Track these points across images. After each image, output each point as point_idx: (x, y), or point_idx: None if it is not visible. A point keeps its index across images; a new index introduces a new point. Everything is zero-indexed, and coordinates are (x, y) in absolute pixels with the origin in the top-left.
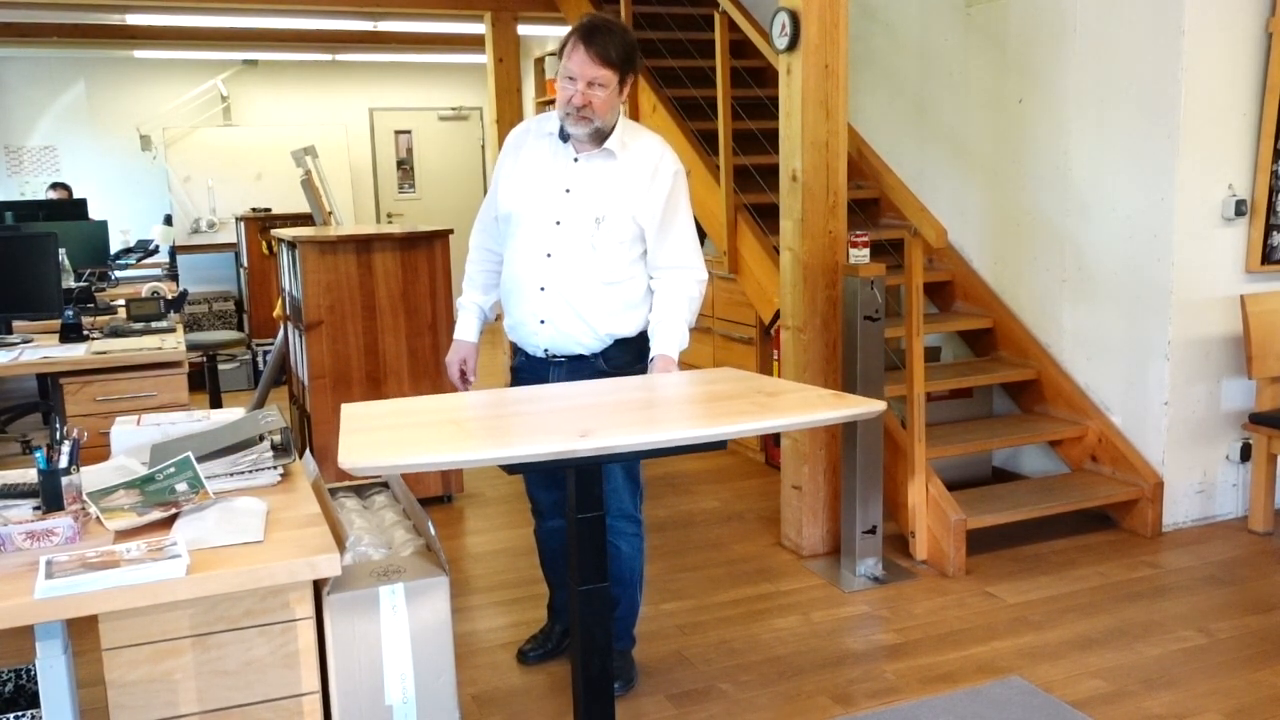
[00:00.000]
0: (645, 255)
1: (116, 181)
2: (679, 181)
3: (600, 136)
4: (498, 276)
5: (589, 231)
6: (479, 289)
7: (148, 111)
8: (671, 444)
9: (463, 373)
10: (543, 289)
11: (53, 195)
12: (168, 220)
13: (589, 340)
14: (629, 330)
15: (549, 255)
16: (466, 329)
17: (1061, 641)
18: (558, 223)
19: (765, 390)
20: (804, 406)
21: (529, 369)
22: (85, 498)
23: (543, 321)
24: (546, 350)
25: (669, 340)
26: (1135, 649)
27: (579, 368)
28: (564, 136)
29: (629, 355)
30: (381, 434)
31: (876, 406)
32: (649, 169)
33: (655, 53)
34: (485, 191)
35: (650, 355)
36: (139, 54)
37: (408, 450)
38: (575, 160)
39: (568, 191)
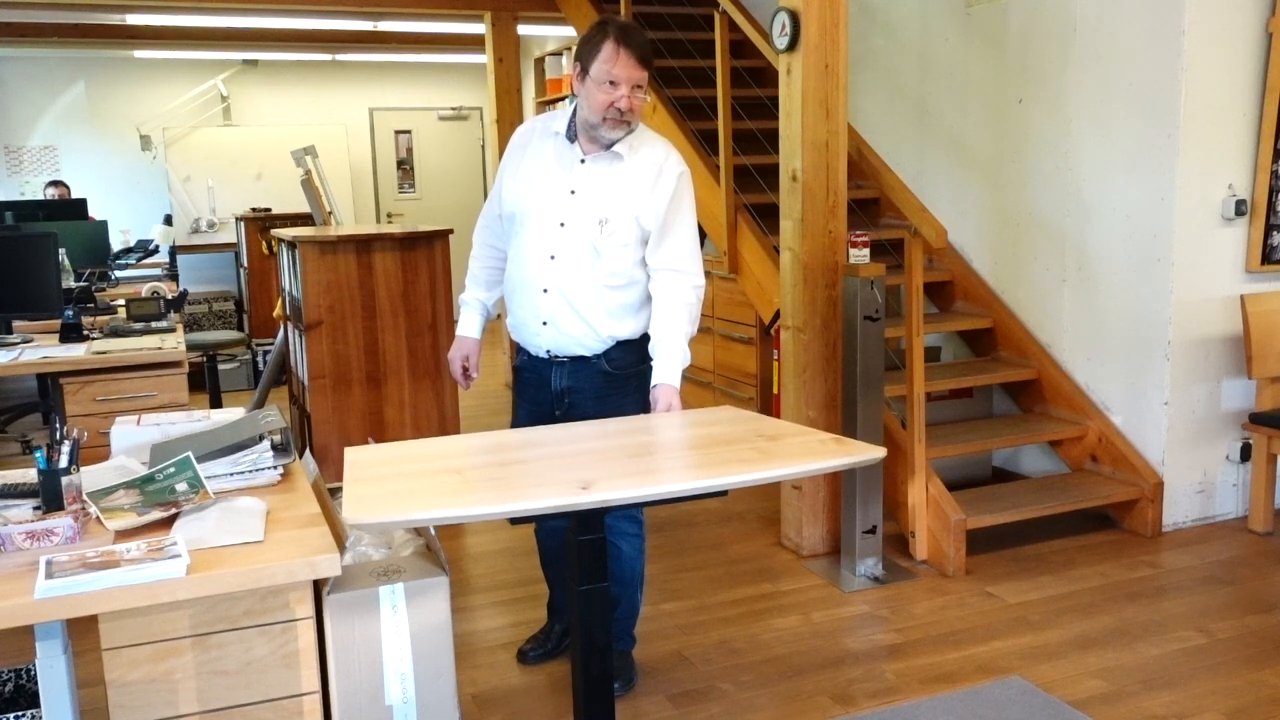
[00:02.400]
0: None
1: (116, 181)
2: (683, 184)
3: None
4: (501, 273)
5: (593, 234)
6: (482, 285)
7: (148, 111)
8: (671, 495)
9: (465, 369)
10: (545, 291)
11: (52, 192)
12: (168, 220)
13: (591, 342)
14: (631, 333)
15: (552, 257)
16: (469, 325)
17: (1061, 641)
18: (562, 224)
19: (766, 434)
20: (804, 453)
21: (531, 368)
22: (85, 498)
23: (545, 323)
24: (549, 351)
25: (670, 366)
26: (1135, 649)
27: (581, 368)
28: (571, 137)
29: (631, 356)
30: (386, 484)
31: (877, 453)
32: (653, 170)
33: (655, 53)
34: (485, 191)
35: (653, 383)
36: (139, 54)
37: (412, 504)
38: (582, 161)
39: (573, 193)
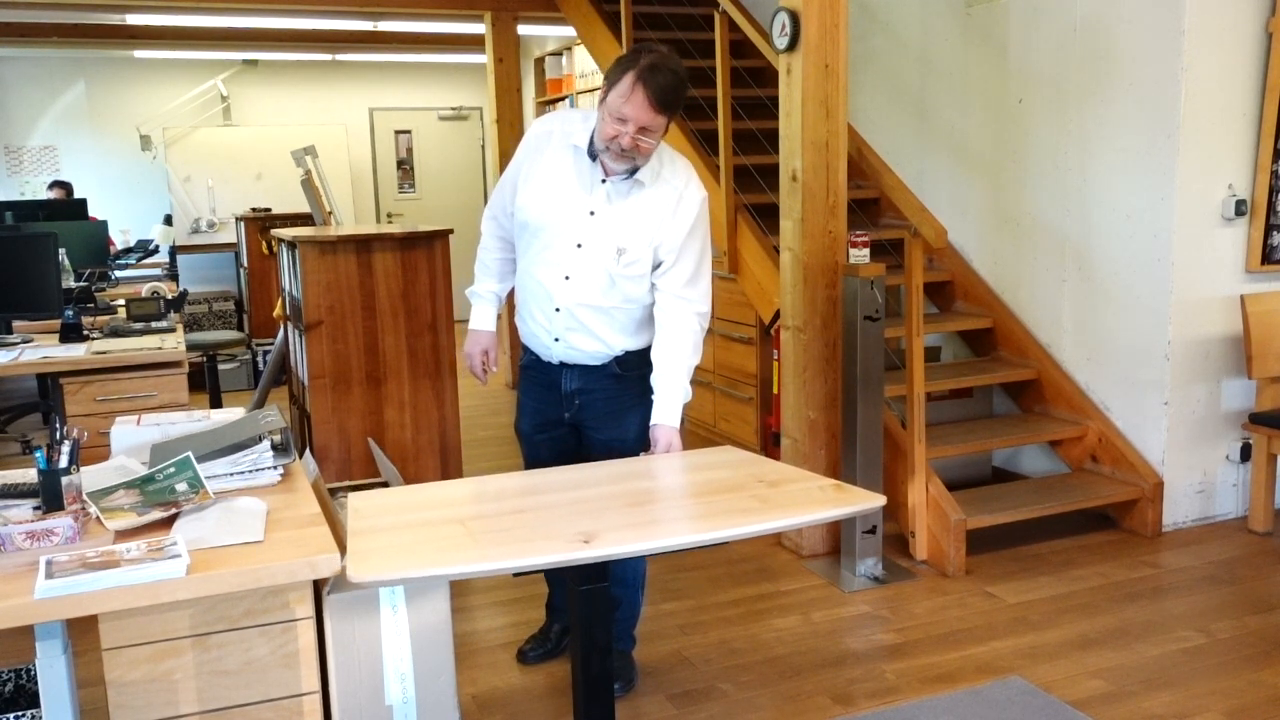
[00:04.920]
0: None
1: (116, 181)
2: (702, 211)
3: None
4: (512, 264)
5: (610, 260)
6: (494, 277)
7: (148, 111)
8: (672, 548)
9: (484, 363)
10: (558, 310)
11: (52, 195)
12: (168, 220)
13: (602, 353)
14: (642, 344)
15: (567, 277)
16: (484, 318)
17: (1061, 641)
18: (579, 245)
19: (766, 479)
20: (805, 502)
21: (539, 368)
22: (85, 498)
23: (557, 339)
24: (560, 361)
25: (670, 406)
26: (1135, 649)
27: (591, 371)
28: (592, 154)
29: (640, 358)
30: (389, 536)
31: (876, 501)
32: (674, 198)
33: None
34: (485, 191)
35: (652, 422)
36: (139, 54)
37: (417, 560)
38: (603, 181)
39: (592, 214)
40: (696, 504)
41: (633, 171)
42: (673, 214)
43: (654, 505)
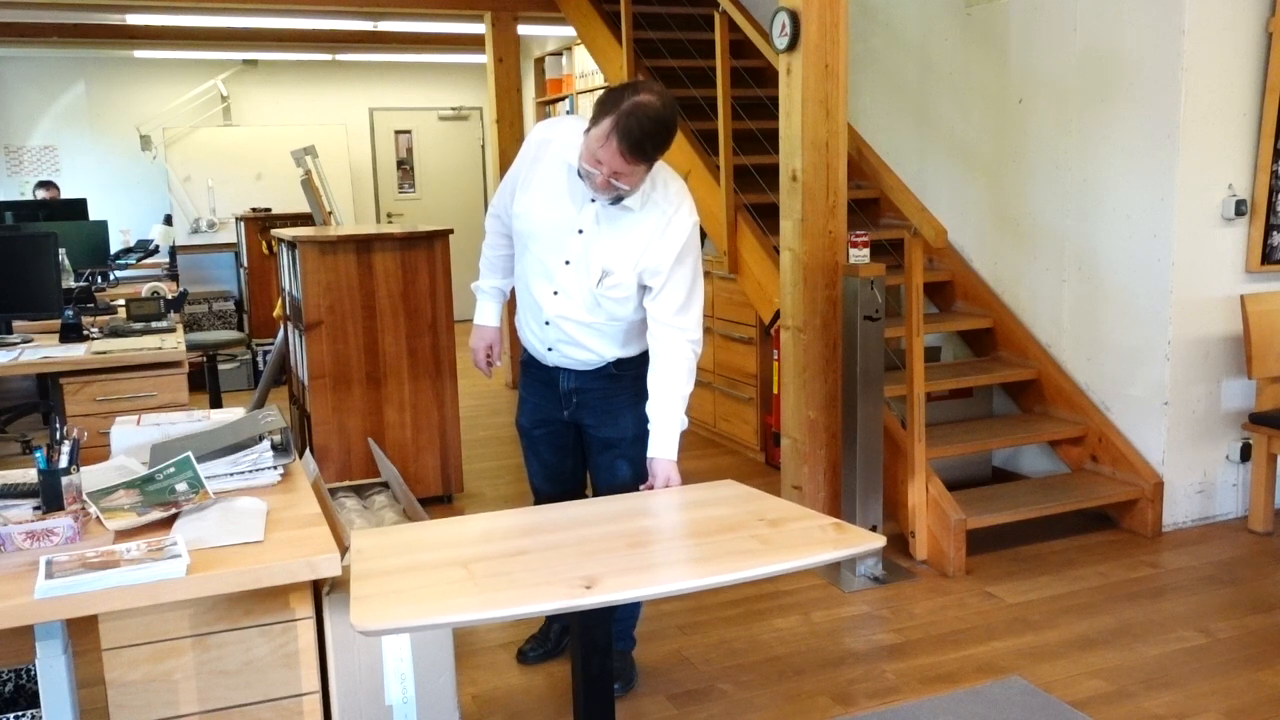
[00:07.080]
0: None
1: (116, 181)
2: (692, 236)
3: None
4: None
5: (595, 280)
6: (499, 273)
7: (148, 111)
8: (672, 593)
9: (488, 358)
10: (547, 322)
11: (42, 194)
12: (168, 220)
13: (595, 362)
14: (634, 352)
15: (555, 293)
16: (488, 314)
17: (1061, 641)
18: (567, 262)
19: (767, 518)
20: (805, 542)
21: (537, 366)
22: (85, 498)
23: (550, 349)
24: (556, 365)
25: (667, 439)
26: (1135, 649)
27: (587, 371)
28: (581, 173)
29: (636, 361)
30: (391, 581)
31: (876, 543)
32: (662, 222)
33: (655, 53)
34: (485, 191)
35: (649, 455)
36: (139, 54)
37: (420, 608)
38: (593, 200)
39: (580, 233)
40: (698, 545)
41: (619, 198)
42: (660, 237)
43: (655, 546)
